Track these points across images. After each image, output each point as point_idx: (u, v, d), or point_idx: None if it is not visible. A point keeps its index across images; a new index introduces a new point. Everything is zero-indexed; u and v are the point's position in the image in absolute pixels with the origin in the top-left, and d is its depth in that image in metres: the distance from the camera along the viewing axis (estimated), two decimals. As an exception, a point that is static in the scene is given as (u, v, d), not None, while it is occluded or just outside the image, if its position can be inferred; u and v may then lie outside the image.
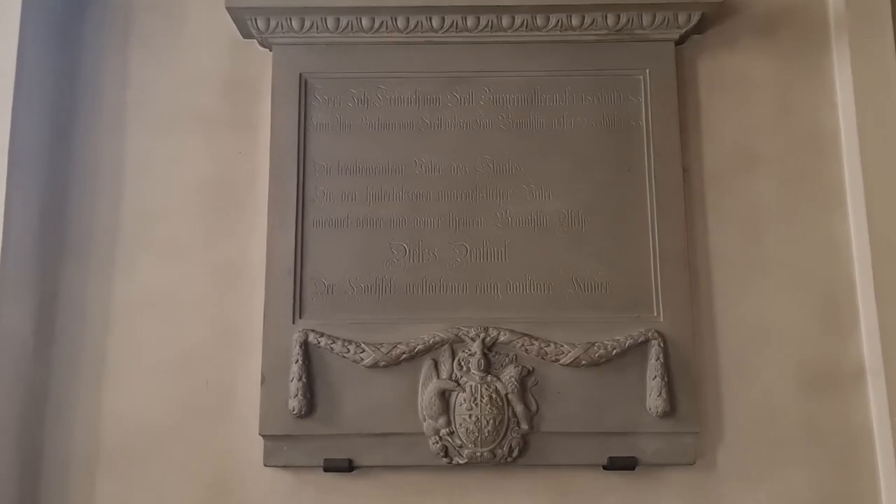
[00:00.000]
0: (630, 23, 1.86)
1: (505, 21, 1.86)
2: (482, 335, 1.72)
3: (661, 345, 1.72)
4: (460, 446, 1.70)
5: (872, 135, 1.84)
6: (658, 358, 1.71)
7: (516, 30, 1.86)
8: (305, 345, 1.71)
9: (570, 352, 1.71)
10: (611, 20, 1.86)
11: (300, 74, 1.87)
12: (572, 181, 1.84)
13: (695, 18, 1.85)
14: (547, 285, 1.78)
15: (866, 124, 1.84)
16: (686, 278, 1.77)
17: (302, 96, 1.86)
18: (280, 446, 1.72)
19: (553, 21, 1.86)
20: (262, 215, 1.81)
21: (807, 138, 1.91)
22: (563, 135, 1.86)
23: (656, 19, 1.85)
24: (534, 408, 1.73)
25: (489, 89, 1.87)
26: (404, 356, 1.71)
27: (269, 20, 1.86)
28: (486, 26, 1.86)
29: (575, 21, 1.86)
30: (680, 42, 1.91)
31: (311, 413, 1.70)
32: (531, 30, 1.86)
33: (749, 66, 1.94)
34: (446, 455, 1.70)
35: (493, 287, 1.78)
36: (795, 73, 1.94)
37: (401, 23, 1.86)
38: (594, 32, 1.87)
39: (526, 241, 1.80)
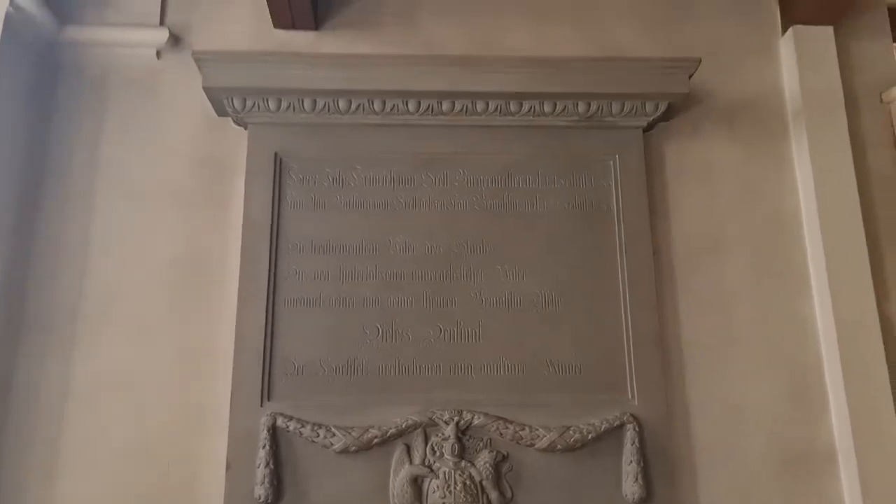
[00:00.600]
0: (600, 111, 1.90)
1: (479, 106, 1.88)
2: (456, 419, 1.69)
3: (637, 429, 1.72)
4: (434, 536, 1.65)
5: (832, 217, 1.90)
6: (633, 442, 1.70)
7: (490, 114, 1.88)
8: (273, 429, 1.68)
9: (545, 436, 1.69)
10: (581, 107, 1.89)
11: (275, 153, 1.86)
12: (546, 263, 1.83)
13: (662, 107, 1.90)
14: (521, 367, 1.75)
15: (826, 207, 1.90)
16: (659, 359, 1.77)
17: (276, 175, 1.85)
18: (245, 537, 1.64)
19: (526, 107, 1.88)
20: (232, 294, 1.78)
21: (770, 221, 1.95)
22: (536, 217, 1.86)
23: (625, 107, 1.89)
24: (509, 495, 1.69)
25: (464, 171, 1.88)
26: (376, 440, 1.68)
27: (245, 100, 1.85)
28: (461, 110, 1.88)
29: (547, 108, 1.89)
30: (648, 129, 1.95)
31: (277, 501, 1.65)
32: (505, 114, 1.88)
33: (713, 153, 1.99)
34: (420, 545, 1.64)
35: (468, 368, 1.75)
36: (757, 159, 1.99)
37: (377, 105, 1.86)
38: (566, 119, 1.89)
39: (500, 322, 1.78)
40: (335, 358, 1.73)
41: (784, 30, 2.04)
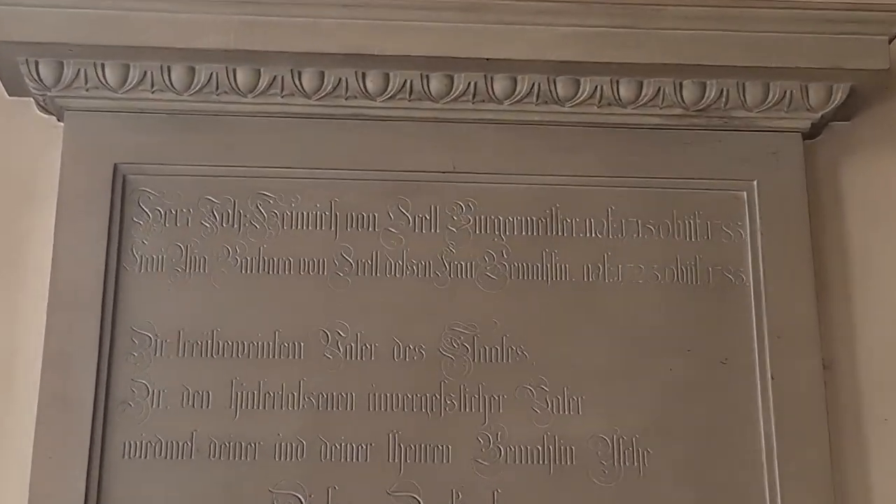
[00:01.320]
0: (723, 98, 1.69)
1: (497, 86, 1.65)
2: None
3: None
4: None
5: None
6: None
7: (518, 101, 1.67)
8: None
9: None
10: (689, 93, 1.68)
11: (114, 166, 1.64)
12: (620, 379, 1.63)
13: (839, 95, 1.69)
14: None
15: None
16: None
17: (116, 206, 1.63)
18: None
19: (583, 90, 1.67)
20: (26, 443, 1.55)
21: None
22: (601, 292, 1.67)
23: (770, 94, 1.68)
24: None
25: (468, 204, 1.69)
26: None
27: (61, 66, 1.62)
28: (462, 93, 1.65)
29: (624, 92, 1.67)
30: (811, 135, 1.76)
31: None
32: (543, 103, 1.69)
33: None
34: None
35: None
36: None
37: (308, 82, 1.65)
38: (659, 112, 1.70)
39: (532, 492, 1.57)
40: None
41: None
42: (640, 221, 1.69)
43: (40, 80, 1.63)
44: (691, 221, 1.69)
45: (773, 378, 1.61)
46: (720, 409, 1.62)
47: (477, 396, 1.60)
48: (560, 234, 1.68)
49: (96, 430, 1.53)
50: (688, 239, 1.69)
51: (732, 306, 1.67)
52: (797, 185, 1.70)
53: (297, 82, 1.64)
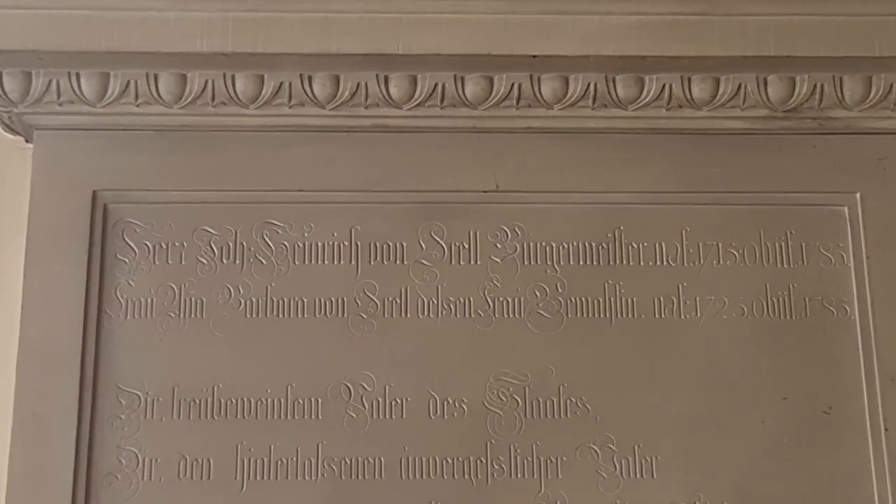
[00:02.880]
0: (816, 96, 1.57)
1: (547, 89, 1.53)
2: None
3: None
4: None
5: None
6: None
7: (571, 104, 1.56)
8: None
9: None
10: (776, 90, 1.56)
11: (93, 194, 1.54)
12: (703, 435, 1.49)
13: None
14: None
15: None
16: None
17: (96, 245, 1.52)
18: None
19: (651, 89, 1.56)
20: None
21: None
22: (676, 331, 1.54)
23: (875, 90, 1.56)
24: None
25: (515, 229, 1.58)
26: None
27: (30, 77, 1.53)
28: (506, 96, 1.54)
29: (699, 91, 1.55)
30: None
31: None
32: (601, 106, 1.57)
33: None
34: None
35: None
36: None
37: (322, 89, 1.55)
38: (740, 114, 1.58)
39: None
40: None
41: None
42: (720, 245, 1.56)
43: (5, 94, 1.51)
44: (782, 243, 1.57)
45: (886, 430, 1.47)
46: (824, 467, 1.47)
47: (530, 459, 1.46)
48: (625, 262, 1.56)
49: (77, 513, 1.43)
50: (779, 265, 1.56)
51: (835, 344, 1.54)
52: (912, 198, 1.55)
53: (308, 89, 1.54)
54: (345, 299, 1.53)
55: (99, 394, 1.47)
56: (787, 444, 1.49)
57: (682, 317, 1.54)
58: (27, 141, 1.60)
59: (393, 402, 1.49)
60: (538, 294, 1.54)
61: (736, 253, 1.56)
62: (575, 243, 1.57)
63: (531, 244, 1.56)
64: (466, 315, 1.53)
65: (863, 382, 1.52)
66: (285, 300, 1.53)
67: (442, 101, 1.58)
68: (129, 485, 1.44)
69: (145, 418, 1.47)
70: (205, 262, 1.52)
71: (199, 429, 1.49)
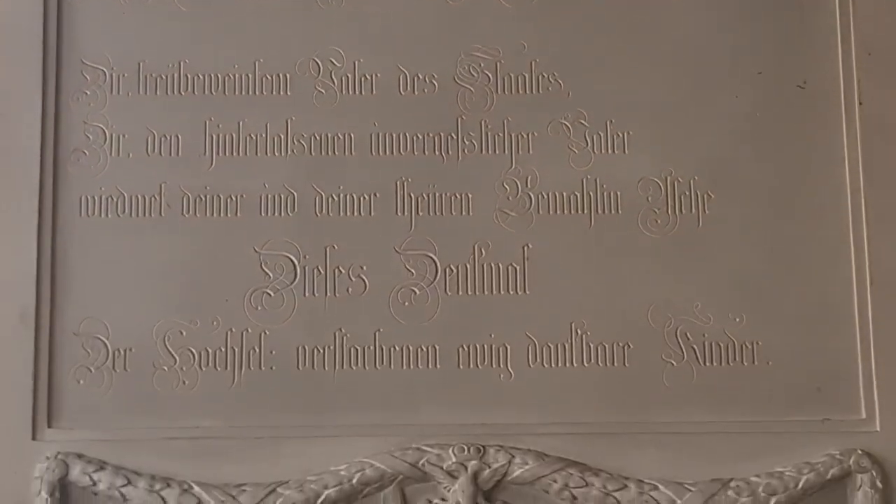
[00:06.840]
0: None
1: None
2: (472, 463, 1.45)
3: (879, 482, 1.45)
4: None
5: None
6: (871, 507, 1.55)
7: None
8: (63, 487, 1.44)
9: (676, 502, 1.44)
10: None
11: None
12: (675, 110, 1.50)
13: None
14: (615, 345, 1.48)
15: None
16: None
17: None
18: None
19: None
20: None
21: None
22: (652, 6, 1.52)
23: None
24: None
25: None
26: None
27: None
28: None
29: None
30: None
31: None
32: None
33: None
34: None
35: (497, 352, 1.48)
36: None
37: None
38: None
39: (569, 246, 1.48)
40: (199, 332, 1.45)
41: None
42: None
43: None
44: None
45: (860, 104, 1.48)
46: (797, 142, 1.48)
47: (501, 134, 1.48)
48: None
49: (46, 184, 1.43)
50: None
51: (812, 17, 1.53)
52: None
53: None
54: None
55: (63, 69, 1.47)
56: (761, 119, 1.49)
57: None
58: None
59: (363, 78, 1.49)
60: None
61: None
62: None
63: None
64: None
65: (839, 55, 1.51)
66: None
67: None
68: (98, 160, 1.46)
69: (111, 94, 1.47)
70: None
71: (166, 105, 1.49)
